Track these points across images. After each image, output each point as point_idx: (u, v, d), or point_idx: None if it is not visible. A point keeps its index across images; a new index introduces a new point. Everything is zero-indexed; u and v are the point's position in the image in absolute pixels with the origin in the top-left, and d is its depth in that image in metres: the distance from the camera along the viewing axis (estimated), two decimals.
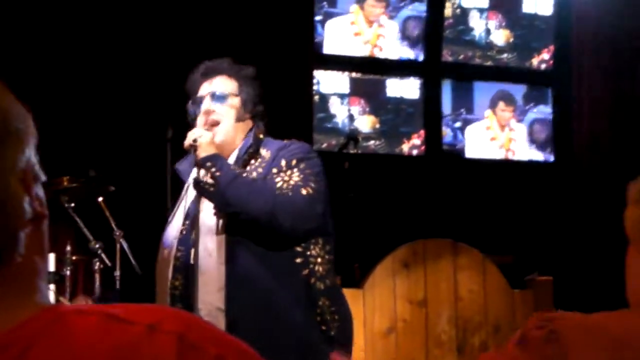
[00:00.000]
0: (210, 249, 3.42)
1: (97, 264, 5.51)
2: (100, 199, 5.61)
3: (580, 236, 8.43)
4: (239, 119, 3.67)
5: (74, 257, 5.64)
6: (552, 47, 9.01)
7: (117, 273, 5.50)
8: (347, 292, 3.69)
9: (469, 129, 8.71)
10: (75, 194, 5.50)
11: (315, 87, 8.22)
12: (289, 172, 3.50)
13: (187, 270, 3.48)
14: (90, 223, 5.58)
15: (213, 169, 3.46)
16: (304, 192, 3.46)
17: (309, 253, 3.51)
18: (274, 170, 3.52)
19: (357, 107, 8.42)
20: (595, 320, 1.37)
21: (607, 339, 1.33)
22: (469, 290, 6.17)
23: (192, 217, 3.55)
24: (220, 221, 3.46)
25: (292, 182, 3.47)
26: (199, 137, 3.54)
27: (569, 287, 7.45)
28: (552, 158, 8.94)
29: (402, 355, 5.92)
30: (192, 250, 3.46)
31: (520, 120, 8.89)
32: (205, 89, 3.70)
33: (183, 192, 3.71)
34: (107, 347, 1.06)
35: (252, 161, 3.59)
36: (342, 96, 8.39)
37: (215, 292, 3.39)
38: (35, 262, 1.13)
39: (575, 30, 8.85)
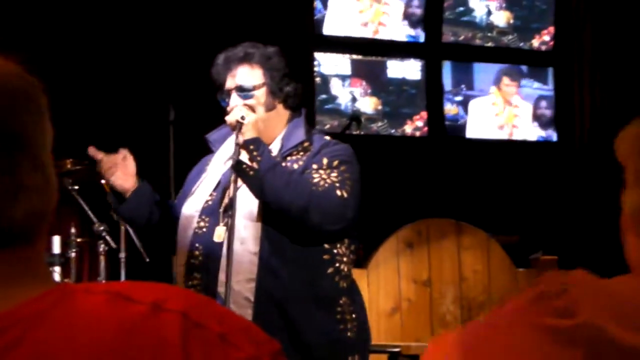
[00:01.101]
0: (242, 236, 3.36)
1: (102, 246, 5.52)
2: (104, 181, 5.61)
3: (584, 215, 8.43)
4: (269, 109, 3.57)
5: (78, 240, 5.66)
6: (552, 28, 9.00)
7: (122, 255, 5.51)
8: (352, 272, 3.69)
9: (472, 104, 8.70)
10: (79, 176, 5.51)
11: (316, 69, 8.22)
12: (328, 171, 3.46)
13: (209, 245, 3.45)
14: (94, 205, 5.59)
15: (255, 153, 3.40)
16: (338, 193, 3.42)
17: (335, 251, 3.49)
18: (314, 166, 3.47)
19: (358, 89, 8.42)
20: (602, 282, 1.40)
21: (612, 297, 1.34)
22: (473, 270, 6.18)
23: (223, 193, 3.53)
24: (259, 209, 3.41)
25: (328, 181, 3.43)
26: (246, 115, 3.48)
27: (573, 266, 7.45)
28: (555, 137, 8.94)
29: (406, 334, 5.93)
30: (222, 231, 3.42)
31: (524, 98, 8.88)
32: (230, 82, 3.59)
33: (210, 163, 3.67)
34: (111, 325, 1.07)
35: (295, 153, 3.55)
36: (343, 77, 8.39)
37: (245, 282, 3.35)
38: (43, 243, 1.14)
39: (575, 10, 8.84)
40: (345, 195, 3.43)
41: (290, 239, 3.42)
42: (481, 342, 1.34)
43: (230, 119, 3.49)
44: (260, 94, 3.57)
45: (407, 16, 8.55)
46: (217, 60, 3.64)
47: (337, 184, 3.44)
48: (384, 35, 8.51)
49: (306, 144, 3.55)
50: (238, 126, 3.44)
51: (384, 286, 5.98)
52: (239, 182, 3.46)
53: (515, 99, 8.83)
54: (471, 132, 8.71)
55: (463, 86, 8.74)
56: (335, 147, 3.57)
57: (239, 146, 3.44)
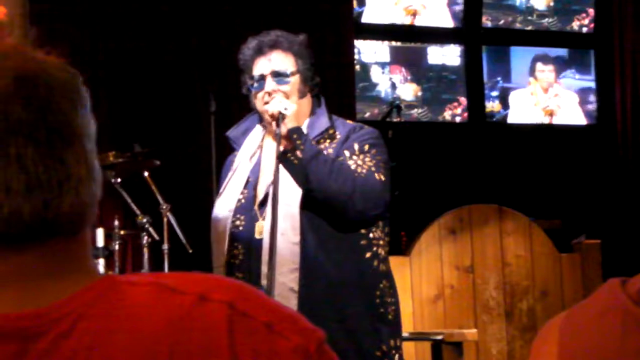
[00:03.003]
0: (282, 227, 3.35)
1: (145, 238, 5.54)
2: (146, 173, 5.64)
3: (627, 199, 8.37)
4: (301, 97, 3.59)
5: (122, 232, 5.68)
6: (592, 10, 8.93)
7: (165, 247, 5.53)
8: (394, 260, 3.70)
9: (512, 96, 8.67)
10: (122, 169, 5.53)
11: (356, 57, 8.21)
12: (362, 157, 3.48)
13: (249, 242, 3.47)
14: (137, 198, 5.62)
15: (298, 142, 3.41)
16: (377, 177, 3.46)
17: (371, 236, 3.51)
18: (346, 153, 3.49)
19: (398, 76, 8.40)
20: None
21: None
22: (515, 255, 6.15)
23: (254, 189, 3.54)
24: (299, 199, 3.42)
25: (365, 167, 3.45)
26: (288, 106, 3.47)
27: (617, 250, 7.41)
28: (596, 121, 8.88)
29: (450, 321, 5.92)
30: (263, 226, 3.44)
31: (565, 87, 8.83)
32: (264, 66, 3.58)
33: (236, 160, 3.67)
34: (159, 316, 1.08)
35: (322, 140, 3.56)
36: (382, 65, 8.38)
37: (289, 273, 3.36)
38: (89, 235, 1.15)
39: None
40: (383, 178, 3.48)
41: (331, 226, 3.44)
42: (577, 331, 1.30)
43: (272, 109, 3.46)
44: (295, 81, 3.59)
45: (446, 1, 8.52)
46: (248, 44, 3.64)
47: (374, 168, 3.47)
48: (423, 21, 8.48)
49: (331, 131, 3.56)
50: (281, 117, 3.43)
51: (426, 273, 5.97)
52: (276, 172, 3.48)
53: (554, 86, 8.78)
54: (512, 120, 8.68)
55: (499, 79, 8.69)
56: (363, 132, 3.59)
57: (281, 137, 3.43)
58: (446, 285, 6.00)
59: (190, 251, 5.58)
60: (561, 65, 8.87)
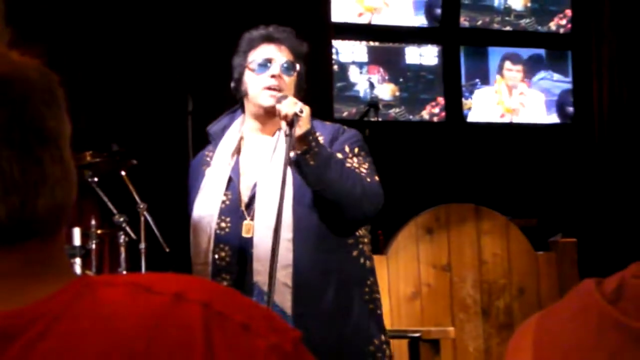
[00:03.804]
0: (272, 225, 3.30)
1: (122, 237, 5.54)
2: (123, 172, 5.63)
3: (603, 197, 8.41)
4: (295, 95, 3.53)
5: (99, 231, 5.67)
6: (569, 11, 8.96)
7: (142, 246, 5.53)
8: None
9: (477, 93, 8.70)
10: (99, 168, 5.52)
11: (334, 57, 8.21)
12: (355, 159, 3.48)
13: (236, 243, 3.46)
14: (114, 197, 5.61)
15: (313, 144, 3.36)
16: (377, 179, 3.48)
17: (357, 233, 3.53)
18: (339, 155, 3.47)
19: (376, 76, 8.42)
20: None
21: None
22: (492, 254, 6.17)
23: (234, 187, 3.52)
24: (290, 196, 3.41)
25: (364, 169, 3.46)
26: (303, 108, 3.36)
27: (593, 249, 7.45)
28: (573, 120, 8.91)
29: (427, 319, 5.94)
30: (252, 225, 3.43)
31: (534, 85, 8.87)
32: (273, 52, 3.54)
33: (215, 159, 3.63)
34: (135, 317, 1.08)
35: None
36: (360, 65, 8.39)
37: (282, 269, 3.34)
38: (63, 235, 1.15)
39: None
40: (378, 180, 3.49)
41: (331, 226, 3.45)
42: (552, 331, 1.30)
43: (287, 110, 3.35)
44: (294, 79, 3.57)
45: (424, 1, 8.54)
46: (254, 30, 3.60)
47: (370, 171, 3.49)
48: (401, 21, 8.50)
49: (316, 134, 3.55)
50: (295, 119, 3.33)
51: (403, 272, 5.98)
52: (263, 172, 3.47)
53: (521, 86, 8.81)
54: (472, 118, 8.71)
55: (478, 80, 8.72)
56: (350, 134, 3.59)
57: (293, 139, 3.34)
58: (423, 284, 6.02)
59: (168, 250, 5.58)
60: (535, 66, 8.89)
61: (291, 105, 3.36)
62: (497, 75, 8.77)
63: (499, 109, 8.74)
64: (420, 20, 8.57)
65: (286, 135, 3.36)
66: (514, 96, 8.78)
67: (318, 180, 3.37)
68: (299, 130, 3.34)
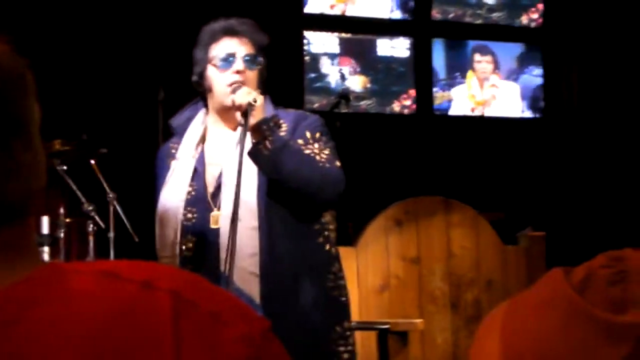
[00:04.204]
0: (239, 214, 3.29)
1: (91, 226, 5.52)
2: (93, 161, 5.61)
3: (571, 191, 8.46)
4: (257, 87, 3.53)
5: (67, 220, 5.65)
6: (541, 5, 9.00)
7: (111, 235, 5.51)
8: (341, 250, 3.71)
9: (454, 89, 8.73)
10: (68, 156, 5.50)
11: (305, 48, 8.21)
12: (316, 145, 3.48)
13: (203, 233, 3.46)
14: (83, 186, 5.59)
15: (267, 133, 3.37)
16: (337, 164, 3.48)
17: (322, 220, 3.55)
18: (300, 141, 3.47)
19: (347, 67, 8.42)
20: None
21: None
22: (461, 247, 6.19)
23: (204, 180, 3.53)
24: (255, 186, 3.42)
25: (324, 155, 3.46)
26: (257, 98, 3.37)
27: (561, 242, 7.49)
28: (541, 114, 8.95)
29: (395, 311, 5.95)
30: (218, 215, 3.43)
31: (508, 78, 8.90)
32: (234, 46, 3.52)
33: (180, 150, 3.62)
34: (103, 304, 1.07)
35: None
36: (332, 56, 8.39)
37: (248, 257, 3.36)
38: (32, 222, 1.15)
39: None
40: (339, 165, 3.50)
41: (293, 214, 3.45)
42: (520, 320, 1.29)
43: (240, 100, 3.37)
44: (257, 73, 3.56)
45: None
46: (214, 23, 3.59)
47: (331, 156, 3.49)
48: (373, 13, 8.50)
49: (275, 120, 3.55)
50: (249, 109, 3.34)
51: (372, 264, 5.99)
52: (228, 162, 3.47)
53: (493, 78, 8.84)
54: (455, 110, 8.74)
55: (458, 74, 8.75)
56: (312, 120, 3.59)
57: (247, 128, 3.35)
58: (392, 276, 6.03)
59: (137, 240, 5.56)
60: (507, 58, 8.93)
61: (245, 95, 3.37)
62: (470, 71, 8.79)
63: (469, 103, 8.76)
64: (392, 13, 8.57)
65: (240, 125, 3.38)
66: (485, 88, 8.80)
67: (273, 169, 3.38)
68: (252, 120, 3.35)
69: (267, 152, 3.36)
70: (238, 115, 3.40)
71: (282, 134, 3.48)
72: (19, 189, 1.09)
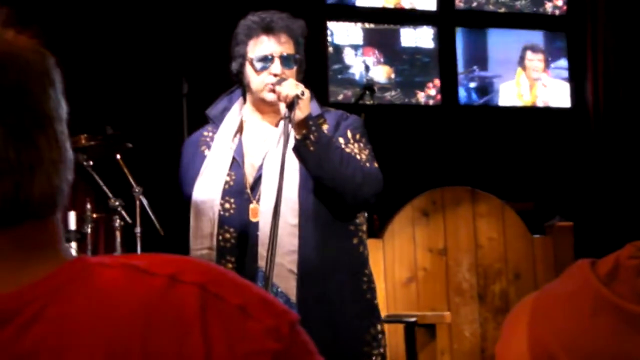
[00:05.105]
0: (281, 210, 3.24)
1: (118, 221, 5.53)
2: (118, 156, 5.62)
3: (599, 181, 8.41)
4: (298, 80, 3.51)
5: (94, 215, 5.66)
6: None
7: (138, 230, 5.52)
8: (367, 242, 3.70)
9: (502, 87, 8.71)
10: (93, 152, 5.50)
11: (328, 39, 8.20)
12: (356, 145, 3.48)
13: (242, 225, 3.44)
14: (109, 181, 5.60)
15: (313, 128, 3.34)
16: (376, 165, 3.49)
17: (357, 221, 3.54)
18: (341, 140, 3.47)
19: (371, 58, 8.40)
20: None
21: None
22: (488, 238, 6.17)
23: (238, 168, 3.50)
24: (297, 182, 3.41)
25: (364, 155, 3.47)
26: (305, 91, 3.34)
27: (589, 233, 7.45)
28: (569, 104, 8.91)
29: (423, 303, 5.94)
30: (256, 207, 3.42)
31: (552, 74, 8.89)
32: (272, 46, 3.49)
33: (216, 140, 3.59)
34: (129, 299, 1.07)
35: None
36: (355, 47, 8.37)
37: (287, 254, 3.34)
38: (59, 218, 1.14)
39: None
40: (377, 166, 3.50)
41: (331, 212, 3.44)
42: (547, 312, 1.28)
43: (288, 92, 3.33)
44: (296, 67, 3.55)
45: None
46: (252, 18, 3.55)
47: (370, 157, 3.50)
48: (396, 3, 8.47)
49: (321, 119, 3.53)
50: (296, 102, 3.30)
51: (399, 256, 5.98)
52: (269, 155, 3.46)
53: (541, 74, 8.82)
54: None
55: (475, 67, 8.71)
56: (352, 120, 3.58)
57: (292, 122, 3.31)
58: (419, 268, 6.01)
59: (163, 234, 5.56)
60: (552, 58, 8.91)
61: (292, 87, 3.34)
62: (519, 68, 8.78)
63: (518, 101, 8.77)
64: (416, 2, 8.54)
65: (285, 118, 3.32)
66: (538, 87, 8.79)
67: (318, 166, 3.36)
68: (299, 113, 3.31)
69: (313, 148, 3.34)
70: (282, 107, 3.36)
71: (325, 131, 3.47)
72: (45, 186, 1.09)
